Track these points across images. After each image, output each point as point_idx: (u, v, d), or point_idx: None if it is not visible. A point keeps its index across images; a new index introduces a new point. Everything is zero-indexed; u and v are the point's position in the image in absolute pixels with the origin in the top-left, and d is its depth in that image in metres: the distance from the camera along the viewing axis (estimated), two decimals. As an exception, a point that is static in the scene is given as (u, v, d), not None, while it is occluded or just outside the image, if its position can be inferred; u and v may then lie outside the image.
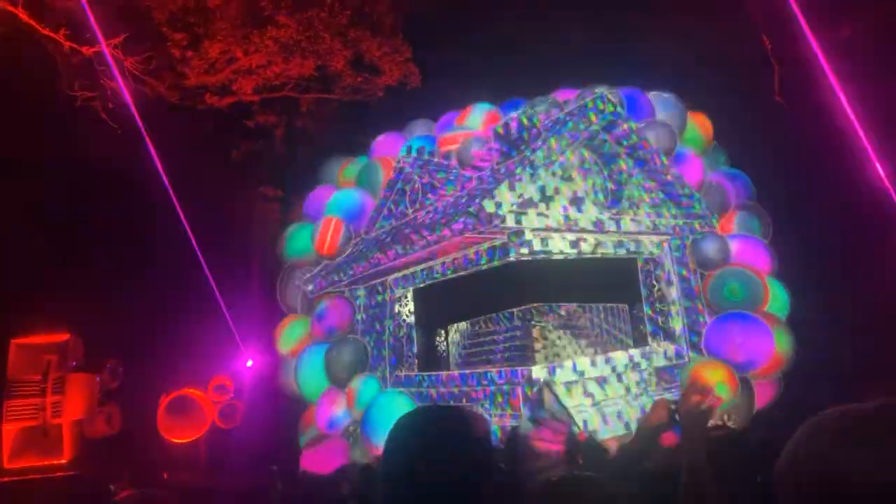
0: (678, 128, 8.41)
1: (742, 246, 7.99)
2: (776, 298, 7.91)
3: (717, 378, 7.10)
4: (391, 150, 9.62)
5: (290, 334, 9.33)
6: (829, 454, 1.12)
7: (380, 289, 9.24)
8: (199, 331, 10.77)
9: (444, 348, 10.46)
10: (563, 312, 10.14)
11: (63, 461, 9.38)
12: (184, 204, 12.88)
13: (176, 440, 10.08)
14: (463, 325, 10.73)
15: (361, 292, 9.31)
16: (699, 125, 8.73)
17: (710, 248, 7.78)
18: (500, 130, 7.91)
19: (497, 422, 7.37)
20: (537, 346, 9.55)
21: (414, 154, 8.67)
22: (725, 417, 6.74)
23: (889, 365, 7.05)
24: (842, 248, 9.10)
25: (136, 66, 11.97)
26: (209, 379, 10.45)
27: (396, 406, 7.75)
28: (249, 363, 11.76)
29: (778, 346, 7.39)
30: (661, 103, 8.47)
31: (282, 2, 14.07)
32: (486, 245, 7.67)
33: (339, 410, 8.37)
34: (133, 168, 11.50)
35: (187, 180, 13.21)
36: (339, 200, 9.22)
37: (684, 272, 8.19)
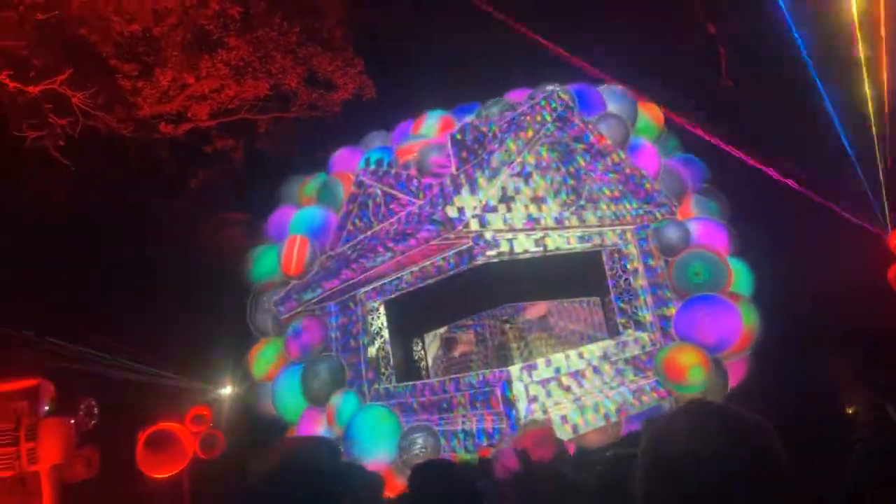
0: (630, 118, 8.54)
1: (702, 228, 8.14)
2: (739, 277, 8.06)
3: (690, 362, 7.22)
4: (349, 164, 9.61)
5: (264, 357, 9.23)
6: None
7: (351, 304, 9.19)
8: (172, 362, 10.60)
9: (421, 357, 10.46)
10: (531, 312, 10.24)
11: (43, 510, 9.14)
12: (148, 236, 12.71)
13: (158, 475, 9.87)
14: (440, 331, 10.76)
15: (333, 309, 9.25)
16: (650, 114, 8.87)
17: (672, 234, 7.91)
18: (457, 136, 7.95)
19: (475, 425, 7.38)
20: (513, 346, 9.63)
21: (372, 166, 8.67)
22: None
23: (848, 335, 7.23)
24: (797, 222, 9.33)
25: (84, 101, 11.78)
26: (187, 410, 10.28)
27: (378, 419, 7.71)
28: (227, 390, 11.62)
29: (745, 323, 7.53)
30: (611, 96, 8.59)
31: (230, 24, 14.00)
32: (452, 251, 7.68)
33: (320, 429, 8.29)
34: (91, 202, 11.31)
35: (148, 213, 13.03)
36: (301, 219, 9.17)
37: (651, 261, 8.31)
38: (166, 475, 9.78)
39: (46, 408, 9.71)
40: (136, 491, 9.82)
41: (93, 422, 10.31)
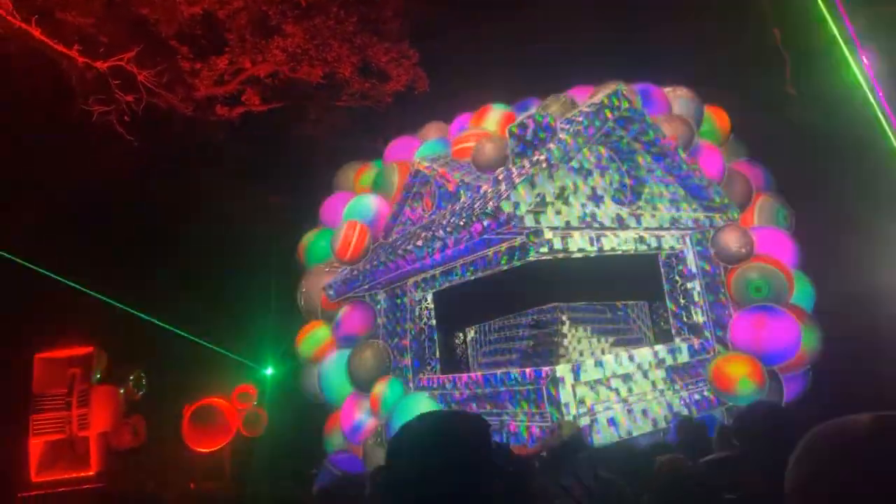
0: (695, 120, 8.37)
1: (765, 237, 7.93)
2: (801, 290, 7.84)
3: (740, 373, 7.07)
4: (405, 154, 9.62)
5: (312, 340, 9.34)
6: (828, 474, 1.12)
7: (399, 292, 9.23)
8: (220, 340, 10.80)
9: (462, 350, 10.46)
10: (584, 311, 10.12)
11: (90, 473, 9.44)
12: (201, 214, 12.97)
13: (201, 449, 10.11)
14: (483, 326, 10.73)
15: (381, 296, 9.31)
16: (716, 118, 8.68)
17: (732, 242, 7.73)
18: (516, 130, 7.89)
19: (519, 424, 7.34)
20: (560, 345, 9.53)
21: (429, 157, 8.68)
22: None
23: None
24: (861, 238, 9.03)
25: (149, 79, 12.06)
26: (233, 387, 10.48)
27: (421, 408, 7.74)
28: (270, 371, 11.79)
29: (804, 339, 7.33)
30: (676, 97, 8.43)
31: (288, 11, 14.16)
32: (505, 245, 7.63)
33: (363, 415, 8.37)
34: (150, 179, 11.56)
35: (203, 191, 13.29)
36: (356, 206, 9.23)
37: (707, 266, 8.14)
38: (210, 449, 10.01)
39: (98, 376, 10.03)
40: (179, 463, 10.06)
41: (141, 392, 10.61)
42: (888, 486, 1.06)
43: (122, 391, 10.22)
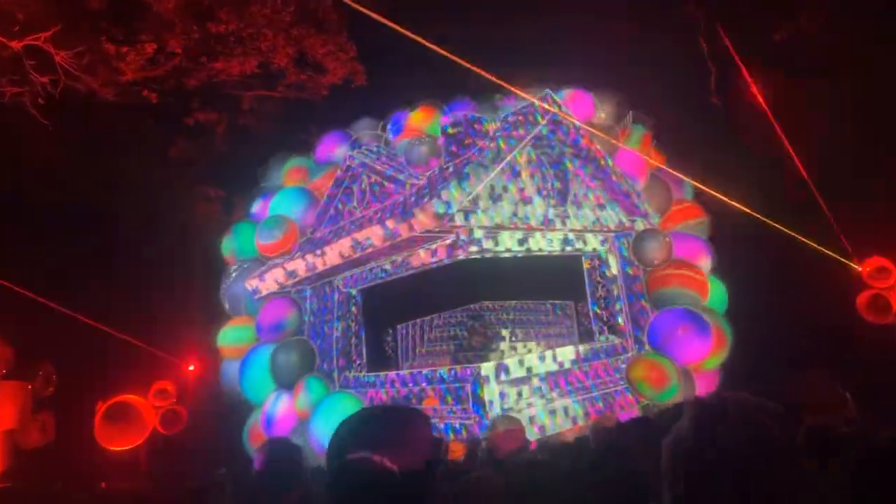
0: (621, 127, 8.62)
1: (682, 242, 8.24)
2: (715, 294, 8.19)
3: (653, 373, 7.33)
4: (336, 149, 9.51)
5: (234, 336, 9.09)
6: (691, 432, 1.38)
7: (327, 289, 9.11)
8: (139, 334, 10.36)
9: (392, 348, 10.42)
10: (513, 310, 10.28)
11: (-5, 472, 8.90)
12: (120, 202, 12.41)
13: (115, 448, 9.67)
14: (416, 324, 10.73)
15: (308, 293, 9.16)
16: (640, 125, 8.96)
17: (652, 246, 8.00)
18: (450, 130, 7.94)
19: (444, 421, 7.38)
20: (488, 343, 9.63)
21: (361, 152, 8.60)
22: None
23: (818, 353, 7.42)
24: (776, 245, 9.52)
25: (68, 60, 11.48)
26: (151, 383, 10.08)
27: (344, 407, 7.66)
28: (191, 367, 11.41)
29: (716, 338, 7.66)
30: (603, 103, 8.66)
31: (223, -3, 13.74)
32: (435, 244, 7.65)
33: (285, 413, 8.20)
34: (66, 165, 10.99)
35: (123, 178, 12.73)
36: (284, 199, 9.05)
37: (629, 269, 8.40)
38: (124, 448, 9.59)
39: (4, 371, 9.47)
40: (91, 462, 9.60)
41: (51, 388, 10.08)
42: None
43: (29, 387, 9.68)
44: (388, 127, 9.42)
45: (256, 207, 9.54)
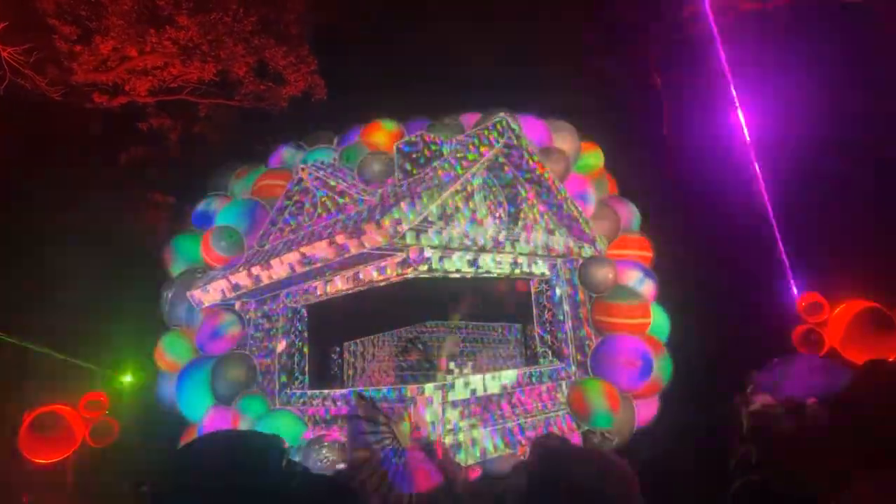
0: (573, 154, 8.76)
1: (627, 271, 8.38)
2: (657, 321, 8.34)
3: (593, 399, 7.40)
4: (290, 161, 9.40)
5: (173, 348, 8.78)
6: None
7: (272, 303, 8.91)
8: (73, 343, 9.95)
9: (338, 365, 10.27)
10: (460, 332, 10.26)
11: None
12: (63, 206, 11.99)
13: (40, 460, 9.20)
14: (360, 342, 10.61)
15: (252, 306, 8.95)
16: (591, 153, 9.14)
17: (597, 272, 8.11)
18: (404, 148, 7.93)
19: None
20: (433, 363, 9.58)
21: (314, 165, 8.49)
22: (606, 434, 7.03)
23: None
24: (719, 273, 9.80)
25: (15, 57, 11.12)
26: (82, 394, 9.65)
27: (282, 425, 7.48)
28: (129, 378, 11.00)
29: (657, 367, 7.78)
30: (557, 131, 8.80)
31: (182, 2, 13.58)
32: (385, 261, 7.59)
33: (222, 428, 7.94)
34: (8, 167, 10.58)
35: (68, 181, 12.33)
36: (232, 210, 8.87)
37: (576, 294, 8.48)
38: (50, 461, 9.13)
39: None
40: (13, 475, 9.11)
41: (-28, 398, 9.56)
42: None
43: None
44: (343, 142, 9.38)
45: (201, 216, 9.31)
